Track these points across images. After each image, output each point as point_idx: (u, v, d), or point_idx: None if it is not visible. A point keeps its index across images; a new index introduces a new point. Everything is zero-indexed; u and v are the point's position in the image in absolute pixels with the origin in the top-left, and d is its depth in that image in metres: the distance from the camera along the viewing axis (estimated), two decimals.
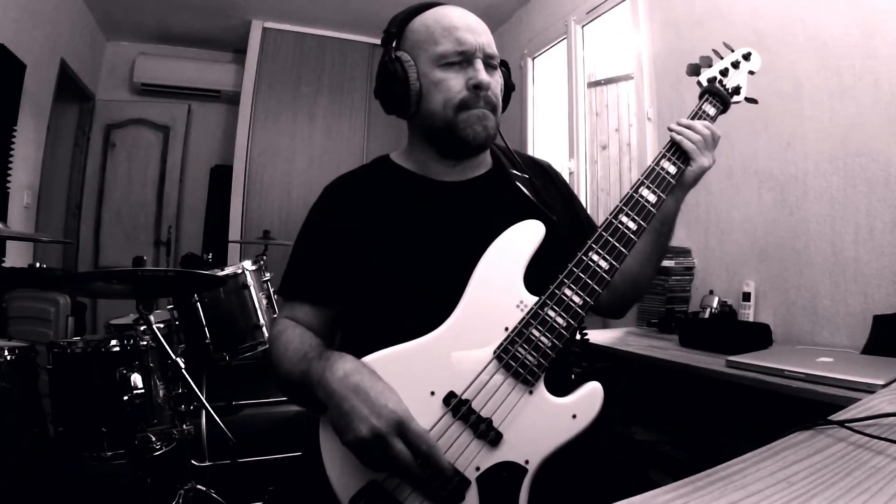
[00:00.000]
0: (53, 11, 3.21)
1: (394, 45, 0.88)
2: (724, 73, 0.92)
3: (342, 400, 0.67)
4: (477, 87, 0.83)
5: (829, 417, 0.71)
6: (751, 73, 0.94)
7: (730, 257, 2.00)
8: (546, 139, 3.39)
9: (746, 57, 0.93)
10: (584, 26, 2.98)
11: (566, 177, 2.96)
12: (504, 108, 0.92)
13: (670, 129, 0.85)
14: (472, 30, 0.85)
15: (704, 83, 0.92)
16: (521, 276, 0.76)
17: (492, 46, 0.86)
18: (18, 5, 2.80)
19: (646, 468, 1.62)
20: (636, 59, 2.50)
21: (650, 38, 2.45)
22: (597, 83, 2.97)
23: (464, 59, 0.84)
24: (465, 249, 0.77)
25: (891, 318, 1.41)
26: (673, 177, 0.82)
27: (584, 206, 2.88)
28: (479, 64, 0.84)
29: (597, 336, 1.89)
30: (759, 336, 1.57)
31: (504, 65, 0.92)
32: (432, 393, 0.70)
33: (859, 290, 1.56)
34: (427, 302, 0.76)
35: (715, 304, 1.90)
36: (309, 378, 0.73)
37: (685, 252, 2.12)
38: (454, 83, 0.83)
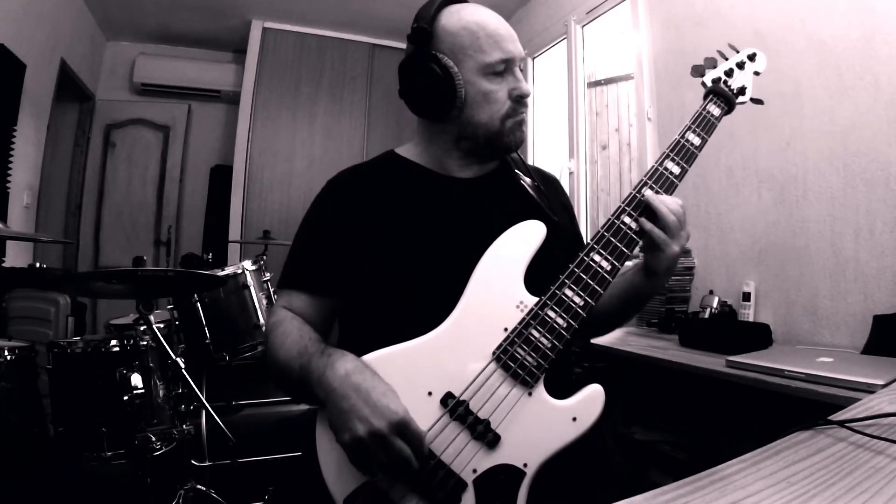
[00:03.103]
0: (53, 11, 3.21)
1: (430, 44, 0.84)
2: (729, 73, 0.91)
3: (342, 398, 0.67)
4: (521, 97, 0.85)
5: (829, 417, 0.71)
6: (756, 73, 0.93)
7: (730, 257, 2.00)
8: (546, 139, 3.39)
9: (752, 58, 0.93)
10: (584, 26, 2.97)
11: (566, 177, 2.97)
12: None
13: (644, 219, 0.77)
14: (513, 38, 0.86)
15: (709, 84, 0.91)
16: (521, 276, 0.75)
17: (522, 52, 0.88)
18: (18, 5, 2.80)
19: (646, 468, 1.62)
20: (636, 59, 2.50)
21: (650, 38, 2.45)
22: (597, 83, 2.97)
23: (507, 67, 0.85)
24: (469, 246, 0.77)
25: (891, 318, 1.41)
26: (677, 177, 0.81)
27: (584, 206, 2.92)
28: (519, 73, 0.86)
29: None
30: (759, 336, 1.57)
31: None
32: (430, 393, 0.70)
33: (859, 290, 1.56)
34: (428, 298, 0.75)
35: (715, 304, 1.90)
36: (308, 374, 0.73)
37: (685, 252, 2.12)
38: (500, 94, 0.84)
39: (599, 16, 2.84)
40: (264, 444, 1.90)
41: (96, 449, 1.68)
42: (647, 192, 0.77)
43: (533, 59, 3.45)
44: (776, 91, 1.79)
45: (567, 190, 3.12)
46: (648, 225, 0.76)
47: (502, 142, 0.86)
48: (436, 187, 0.89)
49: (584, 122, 2.99)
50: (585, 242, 0.78)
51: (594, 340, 1.73)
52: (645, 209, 0.77)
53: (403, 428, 0.65)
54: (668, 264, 0.78)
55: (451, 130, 0.88)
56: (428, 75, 0.83)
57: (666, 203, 0.76)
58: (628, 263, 0.79)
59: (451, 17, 0.85)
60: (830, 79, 1.66)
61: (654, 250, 0.78)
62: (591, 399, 0.70)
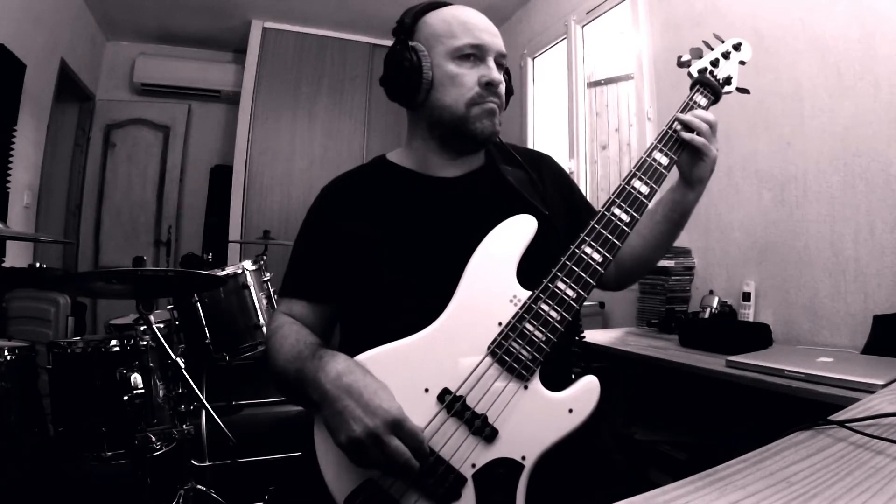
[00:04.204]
0: (53, 11, 3.21)
1: (406, 35, 0.89)
2: (715, 63, 0.92)
3: (335, 400, 0.67)
4: (489, 85, 0.85)
5: (829, 417, 0.71)
6: (741, 63, 0.94)
7: (730, 257, 2.00)
8: (546, 139, 3.39)
9: (737, 47, 0.94)
10: (584, 26, 2.98)
11: None
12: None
13: (678, 132, 0.84)
14: (489, 31, 0.88)
15: (695, 74, 0.92)
16: (513, 270, 0.76)
17: (503, 49, 0.90)
18: (18, 5, 2.80)
19: (646, 468, 1.62)
20: (636, 59, 2.50)
21: (650, 38, 2.45)
22: (597, 83, 2.96)
23: (478, 54, 0.86)
24: (461, 244, 0.78)
25: (891, 318, 1.41)
26: (665, 167, 0.82)
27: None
28: (492, 62, 0.87)
29: (597, 336, 1.89)
30: (759, 336, 1.57)
31: (506, 72, 0.94)
32: (426, 390, 0.70)
33: (859, 290, 1.56)
34: (425, 297, 0.76)
35: (715, 304, 1.90)
36: (303, 377, 0.74)
37: (685, 252, 2.12)
38: (467, 79, 0.85)
39: (599, 16, 2.84)
40: (264, 444, 1.90)
41: (96, 449, 1.67)
42: (681, 115, 0.85)
43: (533, 59, 3.45)
44: (776, 91, 1.79)
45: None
46: (689, 135, 0.83)
47: (469, 128, 0.86)
48: (424, 189, 0.90)
49: (584, 122, 2.99)
50: (593, 208, 0.79)
51: (593, 340, 1.74)
52: (671, 145, 0.84)
53: (398, 426, 0.65)
54: (711, 167, 0.87)
55: (424, 117, 0.90)
56: (399, 59, 0.87)
57: (698, 114, 0.85)
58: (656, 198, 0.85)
59: (433, 15, 0.90)
60: (830, 79, 1.66)
61: (697, 159, 0.85)
62: (586, 390, 0.70)
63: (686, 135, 0.83)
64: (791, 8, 1.79)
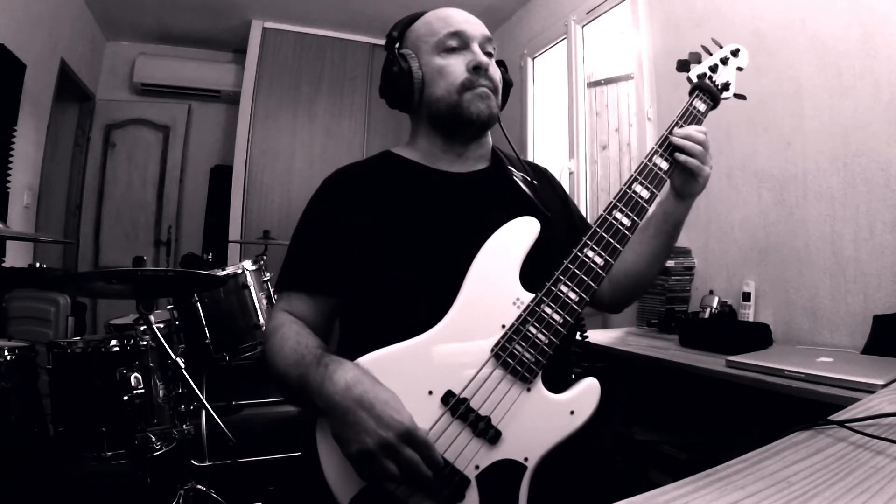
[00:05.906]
0: (53, 11, 3.21)
1: (397, 46, 0.94)
2: (714, 69, 0.92)
3: (346, 412, 0.67)
4: (477, 68, 0.87)
5: (829, 417, 0.71)
6: (739, 69, 0.94)
7: (730, 257, 2.00)
8: (546, 139, 3.38)
9: (735, 53, 0.94)
10: (584, 26, 2.98)
11: (566, 177, 2.97)
12: (503, 104, 0.94)
13: (677, 152, 0.84)
14: (469, 21, 0.91)
15: (694, 79, 0.92)
16: (516, 273, 0.76)
17: (488, 36, 0.92)
18: (18, 5, 2.80)
19: (646, 468, 1.62)
20: (636, 59, 2.50)
21: (650, 38, 2.45)
22: (597, 83, 2.96)
23: (462, 43, 0.89)
24: (465, 242, 0.78)
25: (891, 318, 1.41)
26: (665, 172, 0.83)
27: (584, 206, 2.92)
28: (477, 48, 0.89)
29: (597, 336, 1.89)
30: (759, 336, 1.57)
31: (501, 64, 0.95)
32: (430, 392, 0.70)
33: (859, 290, 1.56)
34: (426, 294, 0.76)
35: (715, 304, 1.90)
36: (307, 385, 0.72)
37: (685, 252, 2.12)
38: (455, 67, 0.88)
39: (599, 16, 2.84)
40: (264, 444, 1.90)
41: (96, 449, 1.67)
42: (675, 130, 0.84)
43: (533, 59, 3.45)
44: (776, 91, 1.79)
45: (567, 189, 3.09)
46: (683, 157, 0.83)
47: (464, 114, 0.87)
48: (431, 183, 0.90)
49: (584, 122, 2.98)
50: (588, 223, 0.80)
51: (594, 340, 1.73)
52: (671, 150, 0.84)
53: (410, 436, 0.65)
54: (704, 184, 0.87)
55: (423, 115, 0.92)
56: (390, 67, 0.92)
57: (690, 135, 0.83)
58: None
59: (417, 21, 0.94)
60: (830, 79, 1.66)
61: (690, 177, 0.86)
62: (587, 392, 0.71)
63: (680, 156, 0.84)
64: (791, 8, 1.79)
